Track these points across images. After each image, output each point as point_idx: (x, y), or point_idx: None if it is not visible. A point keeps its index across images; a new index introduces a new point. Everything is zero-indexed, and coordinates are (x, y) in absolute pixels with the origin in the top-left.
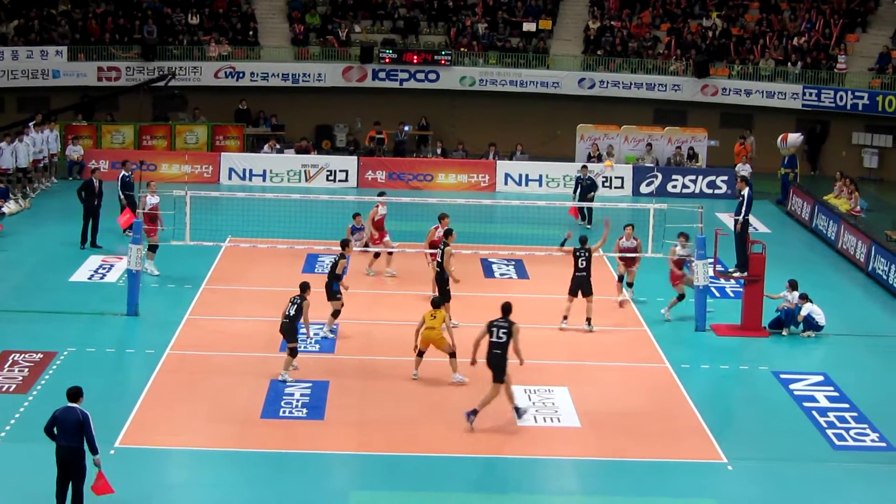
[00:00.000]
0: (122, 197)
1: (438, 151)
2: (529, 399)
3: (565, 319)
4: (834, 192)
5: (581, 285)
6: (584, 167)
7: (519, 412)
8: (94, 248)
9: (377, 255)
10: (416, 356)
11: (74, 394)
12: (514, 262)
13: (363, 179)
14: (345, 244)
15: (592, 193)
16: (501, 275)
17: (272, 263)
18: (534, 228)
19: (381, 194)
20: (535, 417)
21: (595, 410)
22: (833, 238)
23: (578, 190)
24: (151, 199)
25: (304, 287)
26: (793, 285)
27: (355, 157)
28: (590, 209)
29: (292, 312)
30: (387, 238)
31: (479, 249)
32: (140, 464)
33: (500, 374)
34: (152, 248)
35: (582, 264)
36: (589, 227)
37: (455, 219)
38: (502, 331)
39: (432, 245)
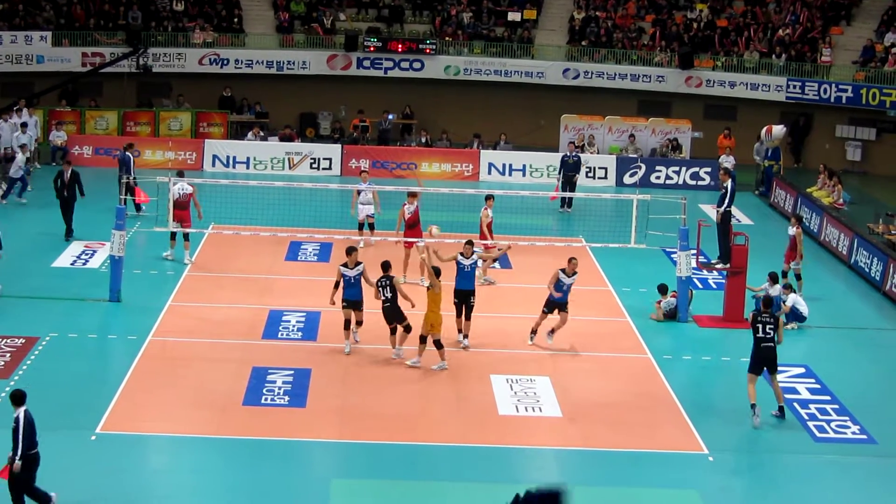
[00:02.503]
0: (133, 178)
1: (423, 140)
2: (511, 389)
3: None
4: (817, 185)
5: None
6: (572, 143)
7: (782, 411)
8: (70, 238)
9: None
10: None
11: (21, 396)
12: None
13: (347, 167)
14: (349, 251)
15: (576, 175)
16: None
17: (255, 251)
18: (517, 218)
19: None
20: (516, 407)
21: (577, 400)
22: (816, 230)
23: (562, 169)
24: (181, 188)
25: (386, 266)
26: (773, 278)
27: (339, 146)
28: (572, 191)
29: (389, 294)
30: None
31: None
32: (121, 450)
33: (774, 366)
34: (185, 237)
35: None
36: (569, 210)
37: (438, 208)
38: (769, 326)
39: (490, 228)
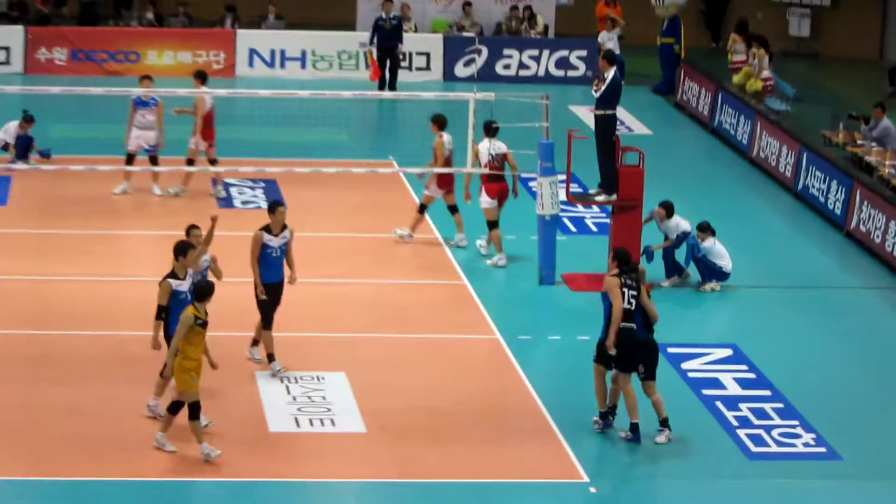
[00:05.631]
0: None
1: (148, 17)
2: (288, 392)
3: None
4: (729, 48)
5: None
6: (389, 2)
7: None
8: None
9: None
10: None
11: None
12: (263, 184)
13: (33, 60)
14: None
15: (398, 46)
16: (244, 203)
17: None
18: (295, 134)
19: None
20: (296, 419)
21: (387, 408)
22: (746, 143)
23: (377, 36)
24: None
25: None
26: (668, 209)
27: (21, 28)
28: (393, 71)
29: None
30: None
31: (209, 165)
32: None
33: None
34: None
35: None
36: (393, 92)
37: (171, 119)
38: (632, 293)
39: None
